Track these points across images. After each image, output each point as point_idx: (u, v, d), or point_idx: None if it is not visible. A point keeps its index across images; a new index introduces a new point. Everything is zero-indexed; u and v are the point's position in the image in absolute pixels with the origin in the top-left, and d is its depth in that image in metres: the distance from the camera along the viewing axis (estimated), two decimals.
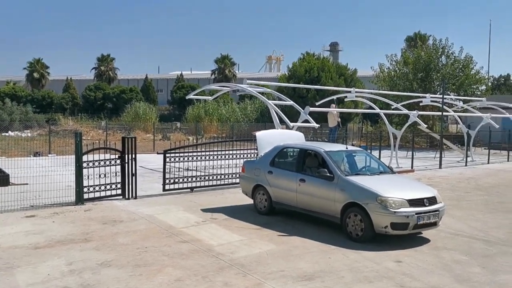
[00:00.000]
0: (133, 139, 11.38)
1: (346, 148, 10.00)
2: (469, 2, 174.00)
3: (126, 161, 11.20)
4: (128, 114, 39.61)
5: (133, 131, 33.30)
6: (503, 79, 67.44)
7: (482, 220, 9.98)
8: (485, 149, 26.12)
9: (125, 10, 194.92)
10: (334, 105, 23.63)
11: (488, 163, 22.23)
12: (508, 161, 23.66)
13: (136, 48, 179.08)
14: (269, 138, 10.69)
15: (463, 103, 28.81)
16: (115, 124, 36.87)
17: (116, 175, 11.21)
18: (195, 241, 7.90)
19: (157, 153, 13.33)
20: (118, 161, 11.20)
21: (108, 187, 11.13)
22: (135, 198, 11.38)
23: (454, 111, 27.75)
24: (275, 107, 15.35)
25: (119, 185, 11.30)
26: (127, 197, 11.33)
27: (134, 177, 11.32)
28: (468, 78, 32.02)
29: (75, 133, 11.07)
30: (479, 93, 33.31)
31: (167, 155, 12.20)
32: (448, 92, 31.46)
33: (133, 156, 11.21)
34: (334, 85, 31.63)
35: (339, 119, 23.80)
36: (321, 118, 26.72)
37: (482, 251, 7.72)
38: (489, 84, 48.25)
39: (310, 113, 16.00)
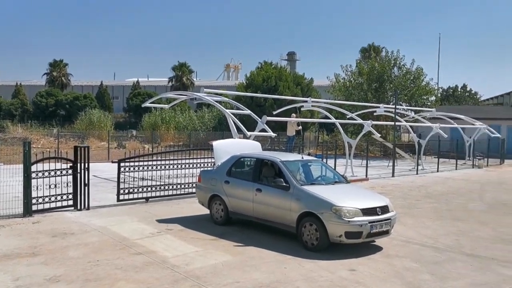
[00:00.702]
0: (86, 148, 11.07)
1: (302, 157, 10.12)
2: (419, 17, 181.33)
3: (79, 170, 10.87)
4: (81, 122, 38.54)
5: (87, 139, 32.40)
6: (451, 90, 70.41)
7: (431, 228, 10.33)
8: (435, 157, 27.13)
9: (79, 14, 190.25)
10: (295, 115, 23.95)
11: (438, 171, 23.10)
12: (456, 169, 24.66)
13: (91, 54, 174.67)
14: (226, 148, 10.66)
15: (415, 113, 29.87)
16: (68, 132, 35.77)
17: (67, 185, 10.85)
18: (150, 253, 7.74)
19: (112, 162, 13.03)
20: (70, 171, 10.85)
21: (58, 198, 10.75)
22: (88, 209, 11.04)
23: (406, 121, 28.72)
24: (232, 116, 15.35)
25: (70, 196, 10.93)
26: (79, 208, 10.98)
27: (86, 187, 10.99)
28: (419, 89, 33.33)
29: (23, 142, 10.63)
30: (429, 103, 34.76)
31: (122, 164, 11.93)
32: (401, 103, 32.59)
33: (86, 165, 10.90)
34: (291, 94, 32.07)
35: (300, 127, 24.17)
36: (278, 127, 26.99)
37: (432, 258, 7.98)
38: (439, 95, 50.37)
39: (268, 122, 16.12)
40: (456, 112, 32.47)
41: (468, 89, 70.71)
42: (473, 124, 29.55)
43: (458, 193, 16.09)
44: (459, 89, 70.50)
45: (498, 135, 29.99)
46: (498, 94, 73.56)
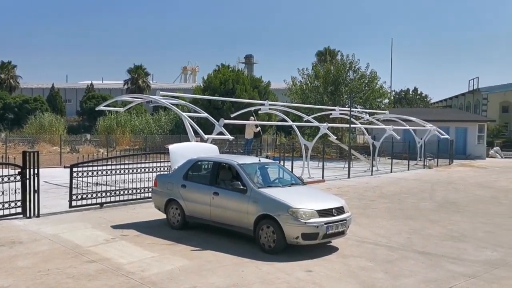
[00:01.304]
0: (36, 153, 10.67)
1: (259, 160, 10.16)
2: (373, 21, 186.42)
3: (28, 176, 10.46)
4: (32, 126, 37.04)
5: (37, 143, 31.20)
6: (403, 93, 72.83)
7: (385, 227, 10.63)
8: (388, 158, 27.90)
9: (27, 14, 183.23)
10: (253, 117, 24.01)
11: (391, 172, 23.80)
12: (408, 170, 25.49)
13: (41, 56, 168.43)
14: (183, 151, 10.57)
15: (369, 116, 30.67)
16: (16, 136, 34.32)
17: (16, 192, 10.41)
18: (104, 260, 7.54)
19: (64, 167, 12.61)
20: (18, 177, 10.42)
21: (6, 205, 10.30)
22: (38, 216, 10.63)
23: (361, 123, 29.45)
24: (189, 119, 15.23)
25: (19, 203, 10.50)
26: (28, 215, 10.56)
27: (36, 194, 10.58)
28: (373, 92, 34.16)
29: None
30: (382, 106, 35.69)
31: (75, 169, 11.57)
32: (356, 105, 33.33)
33: (36, 171, 10.50)
34: (248, 97, 32.14)
35: (259, 128, 24.25)
36: (236, 129, 26.99)
37: (385, 256, 8.20)
38: (392, 98, 51.96)
39: (226, 125, 16.09)
40: (408, 114, 33.57)
41: (419, 92, 73.33)
42: (424, 126, 30.64)
43: (410, 193, 16.63)
44: (410, 92, 73.02)
45: (447, 136, 31.24)
46: (447, 97, 76.86)
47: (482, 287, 6.73)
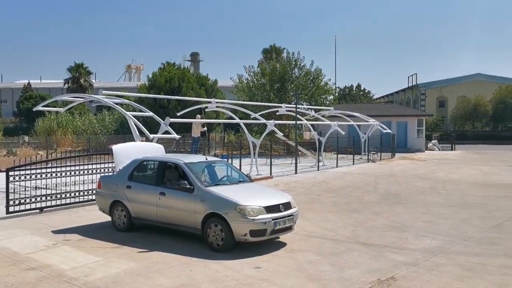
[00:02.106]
0: None
1: (206, 159, 10.10)
2: (317, 19, 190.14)
3: None
4: None
5: None
6: (347, 90, 74.86)
7: (331, 221, 10.89)
8: (334, 154, 28.59)
9: None
10: (199, 116, 23.81)
11: (337, 166, 24.41)
12: (353, 164, 26.23)
13: None
14: (127, 151, 10.33)
15: (315, 112, 31.27)
16: None
17: None
18: (44, 267, 7.23)
19: (0, 171, 11.98)
20: None
21: None
22: None
23: (307, 119, 29.97)
24: (133, 118, 14.89)
25: None
26: None
27: None
28: (318, 89, 34.90)
29: None
30: (327, 102, 36.54)
31: (11, 173, 11.01)
32: (301, 102, 33.89)
33: None
34: (195, 96, 31.90)
35: (205, 128, 24.05)
36: (183, 128, 26.70)
37: (332, 249, 8.40)
38: (336, 94, 53.20)
39: (172, 124, 15.88)
40: (352, 110, 34.57)
41: (362, 88, 75.61)
42: (367, 121, 31.68)
43: (355, 186, 17.13)
44: (354, 89, 75.14)
45: (389, 131, 32.44)
46: (389, 93, 79.80)
47: (422, 274, 7.04)
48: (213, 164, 9.98)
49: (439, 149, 40.41)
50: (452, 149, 40.63)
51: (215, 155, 25.22)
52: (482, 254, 8.11)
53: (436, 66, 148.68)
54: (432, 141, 41.67)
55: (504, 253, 8.18)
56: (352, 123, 30.42)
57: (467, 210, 12.38)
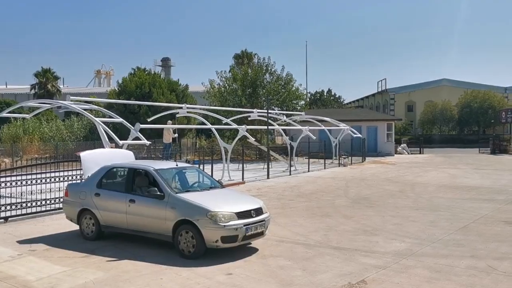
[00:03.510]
0: None
1: (176, 165, 10.02)
2: (287, 25, 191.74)
3: None
4: None
5: None
6: (318, 95, 75.56)
7: (303, 225, 10.95)
8: (306, 158, 28.80)
9: None
10: (171, 121, 23.62)
11: (309, 171, 24.59)
12: (324, 168, 26.47)
13: None
14: (96, 158, 10.15)
15: (286, 117, 31.47)
16: None
17: None
18: (9, 278, 7.00)
19: None
20: None
21: None
22: None
23: (279, 124, 30.15)
24: (102, 124, 14.64)
25: None
26: None
27: None
28: (290, 94, 35.09)
29: None
30: (299, 107, 36.79)
31: None
32: (273, 107, 34.10)
33: None
34: (166, 101, 31.66)
35: (176, 134, 23.84)
36: (154, 134, 26.43)
37: (303, 254, 8.44)
38: (307, 99, 53.79)
39: (143, 130, 15.69)
40: (323, 115, 34.99)
41: (333, 93, 76.49)
42: (338, 126, 32.10)
43: (326, 190, 17.29)
44: (325, 94, 75.93)
45: (360, 135, 32.95)
46: (359, 98, 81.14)
47: (392, 277, 7.15)
48: (184, 170, 9.91)
49: (408, 153, 41.25)
50: (420, 153, 41.56)
51: (186, 161, 25.02)
52: (450, 256, 8.30)
53: (404, 71, 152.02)
54: (402, 145, 42.49)
55: (471, 255, 8.39)
56: (323, 127, 30.77)
57: (435, 212, 12.66)
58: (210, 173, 16.53)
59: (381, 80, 67.45)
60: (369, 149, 36.35)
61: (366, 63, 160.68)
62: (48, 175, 12.20)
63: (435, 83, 67.13)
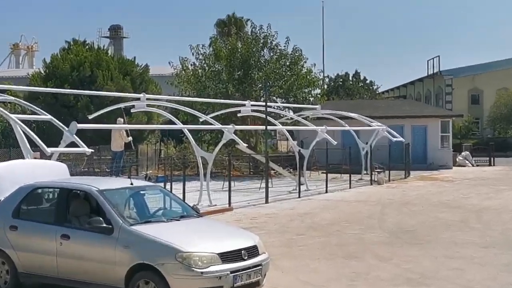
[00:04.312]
0: None
1: (131, 184, 10.02)
2: None
3: None
4: None
5: None
6: (341, 80, 75.69)
7: (318, 271, 10.98)
8: (323, 172, 28.83)
9: None
10: (122, 120, 23.56)
11: (327, 192, 24.61)
12: (350, 188, 26.52)
13: None
14: (11, 175, 10.19)
15: (294, 113, 31.54)
16: None
17: None
18: None
19: None
20: None
21: None
22: None
23: (283, 123, 30.22)
24: (21, 124, 14.65)
25: None
26: None
27: None
28: (299, 78, 34.90)
29: None
30: (312, 98, 36.67)
31: None
32: (274, 98, 34.11)
33: None
34: (116, 89, 31.63)
35: (131, 138, 23.80)
36: (98, 138, 26.39)
37: None
38: (325, 87, 53.84)
39: (81, 132, 15.71)
40: (347, 109, 35.02)
41: (361, 78, 76.63)
42: (370, 125, 32.12)
43: (352, 220, 17.32)
44: (350, 79, 76.01)
45: (401, 139, 32.93)
46: (400, 84, 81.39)
47: None
48: (142, 192, 9.95)
49: (472, 165, 41.39)
50: (490, 164, 41.73)
51: (146, 178, 25.03)
52: None
53: (467, 45, 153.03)
54: (463, 153, 42.62)
55: None
56: (347, 128, 30.82)
57: None
58: (181, 196, 16.55)
59: (433, 59, 67.45)
60: (416, 159, 36.42)
61: (410, 35, 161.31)
62: None
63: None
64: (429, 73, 68.82)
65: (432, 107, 55.89)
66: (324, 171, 27.28)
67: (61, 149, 15.02)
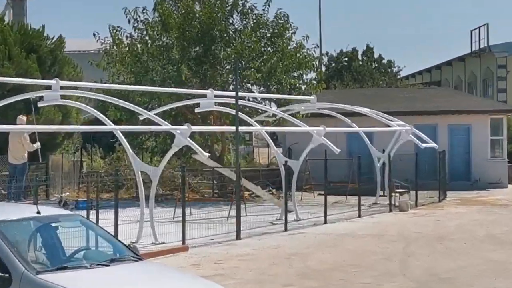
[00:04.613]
0: None
1: (38, 212, 9.97)
2: None
3: None
4: None
5: None
6: (345, 60, 75.62)
7: None
8: (320, 194, 28.78)
9: None
10: (25, 118, 23.44)
11: (326, 222, 24.64)
12: (359, 216, 26.54)
13: None
14: None
15: (277, 107, 31.53)
16: None
17: None
18: None
19: None
20: None
21: None
22: None
23: (261, 122, 30.16)
24: None
25: None
26: None
27: None
28: (284, 57, 34.92)
29: None
30: (304, 86, 36.64)
31: None
32: (249, 86, 34.07)
33: None
34: (16, 73, 31.43)
35: (38, 144, 23.70)
36: None
37: None
38: (323, 68, 53.85)
39: None
40: (354, 101, 35.06)
41: (376, 56, 76.79)
42: (388, 125, 32.16)
43: (363, 264, 17.35)
44: (360, 57, 76.10)
45: (434, 144, 32.87)
46: (431, 65, 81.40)
47: None
48: (54, 224, 9.91)
49: None
50: None
51: (61, 203, 24.91)
52: None
53: None
54: None
55: None
56: (356, 129, 30.87)
57: None
58: (112, 230, 16.48)
59: (479, 28, 67.68)
60: (455, 174, 36.67)
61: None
62: None
63: None
64: (473, 49, 69.03)
65: (479, 98, 55.93)
66: (322, 192, 27.24)
67: None
